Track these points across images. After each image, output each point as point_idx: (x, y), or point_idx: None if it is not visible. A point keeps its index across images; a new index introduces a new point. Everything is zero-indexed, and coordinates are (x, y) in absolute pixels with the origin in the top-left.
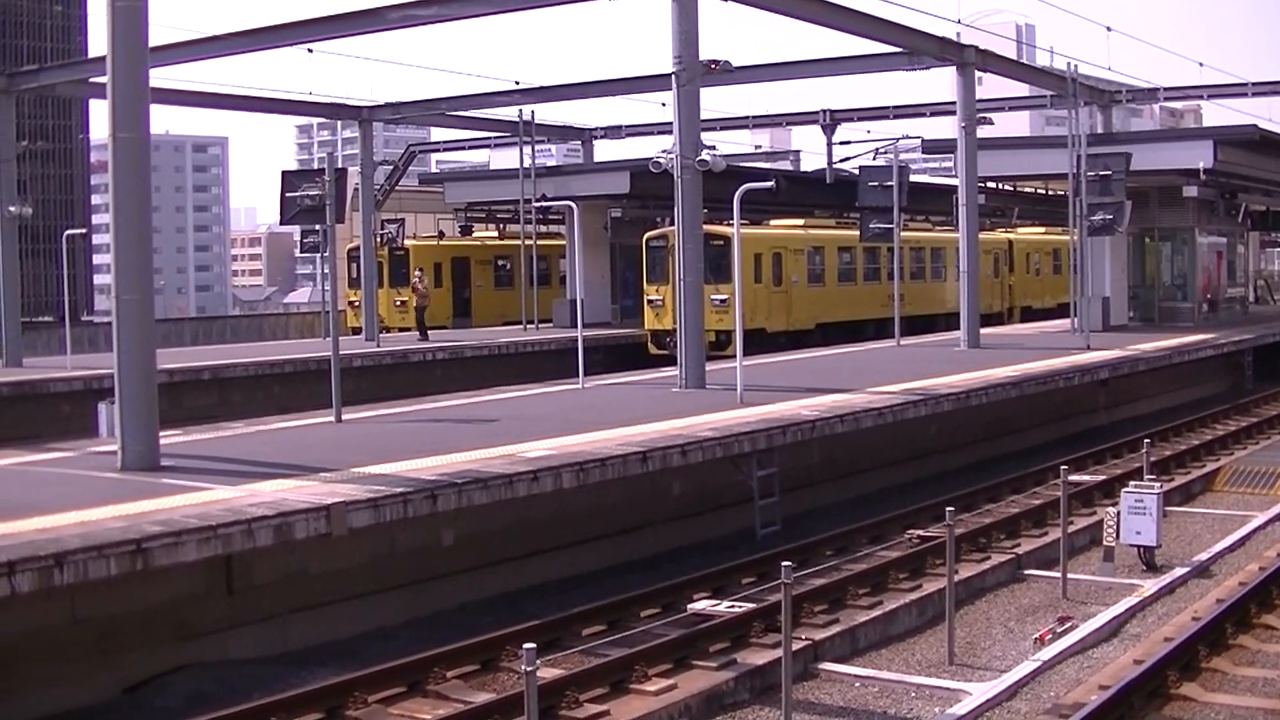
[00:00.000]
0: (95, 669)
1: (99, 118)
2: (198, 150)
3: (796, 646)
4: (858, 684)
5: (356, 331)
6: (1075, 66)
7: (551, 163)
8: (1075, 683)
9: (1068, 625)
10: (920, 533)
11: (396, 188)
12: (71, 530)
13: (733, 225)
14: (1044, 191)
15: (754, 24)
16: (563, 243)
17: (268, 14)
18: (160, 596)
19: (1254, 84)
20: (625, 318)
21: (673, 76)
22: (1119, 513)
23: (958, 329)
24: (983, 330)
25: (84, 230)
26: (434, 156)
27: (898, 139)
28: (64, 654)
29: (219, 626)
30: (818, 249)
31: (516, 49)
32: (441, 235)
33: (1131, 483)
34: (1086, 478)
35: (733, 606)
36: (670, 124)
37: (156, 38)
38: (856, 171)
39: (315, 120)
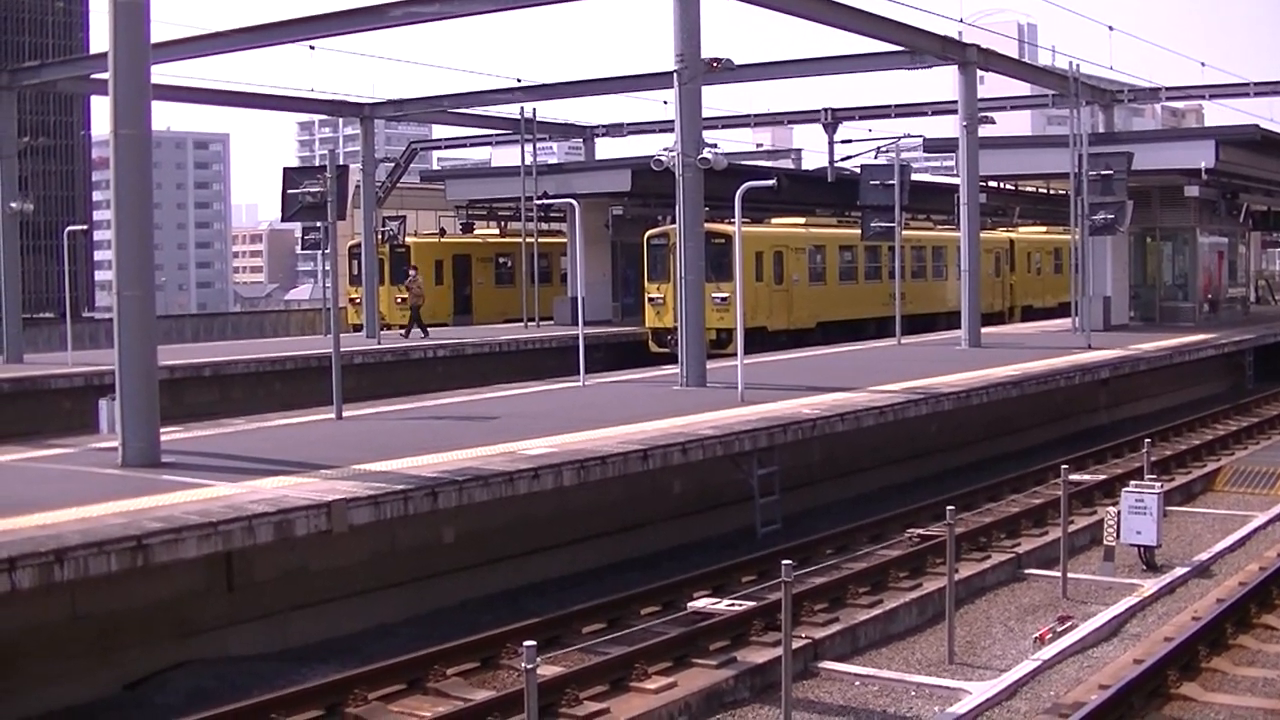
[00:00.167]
0: (96, 665)
1: (100, 114)
2: (199, 147)
3: (797, 645)
4: (858, 683)
5: (358, 329)
6: (1077, 66)
7: (553, 160)
8: (1075, 682)
9: (1068, 625)
10: (920, 532)
11: (398, 185)
12: (72, 526)
13: (734, 223)
14: (1045, 191)
15: (756, 22)
16: (564, 240)
17: (270, 10)
18: (161, 593)
19: (1256, 84)
20: (626, 316)
21: (674, 74)
22: (1119, 512)
23: (959, 328)
24: (984, 329)
25: (85, 226)
26: (435, 154)
27: (899, 138)
28: (64, 650)
29: (219, 623)
30: (819, 248)
31: (518, 46)
32: (443, 232)
33: (1132, 482)
34: (1087, 477)
35: (733, 605)
36: (672, 122)
37: (158, 34)
38: (858, 170)
39: (317, 117)
